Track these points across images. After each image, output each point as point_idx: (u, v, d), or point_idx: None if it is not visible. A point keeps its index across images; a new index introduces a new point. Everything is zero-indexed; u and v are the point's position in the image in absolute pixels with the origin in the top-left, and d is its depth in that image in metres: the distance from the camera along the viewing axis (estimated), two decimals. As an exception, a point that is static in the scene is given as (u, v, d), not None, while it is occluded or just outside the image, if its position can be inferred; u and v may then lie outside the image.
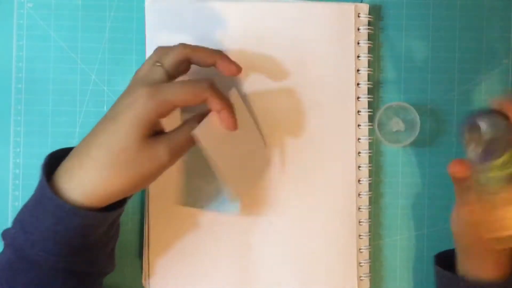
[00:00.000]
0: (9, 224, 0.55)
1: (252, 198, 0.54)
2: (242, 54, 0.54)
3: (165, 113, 0.44)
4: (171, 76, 0.46)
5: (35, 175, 0.55)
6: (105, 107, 0.55)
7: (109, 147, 0.43)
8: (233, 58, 0.54)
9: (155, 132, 0.45)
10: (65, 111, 0.55)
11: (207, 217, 0.54)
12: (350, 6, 0.54)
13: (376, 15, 0.56)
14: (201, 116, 0.46)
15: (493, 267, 0.48)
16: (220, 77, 0.48)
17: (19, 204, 0.55)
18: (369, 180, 0.55)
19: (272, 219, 0.54)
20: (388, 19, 0.56)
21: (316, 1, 0.55)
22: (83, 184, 0.43)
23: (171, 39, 0.54)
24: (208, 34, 0.54)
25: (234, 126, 0.46)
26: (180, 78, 0.48)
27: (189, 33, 0.54)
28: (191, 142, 0.45)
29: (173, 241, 0.54)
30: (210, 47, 0.54)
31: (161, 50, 0.47)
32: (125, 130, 0.43)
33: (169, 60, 0.46)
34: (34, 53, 0.56)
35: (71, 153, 0.45)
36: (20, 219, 0.45)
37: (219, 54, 0.48)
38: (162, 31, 0.54)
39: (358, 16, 0.55)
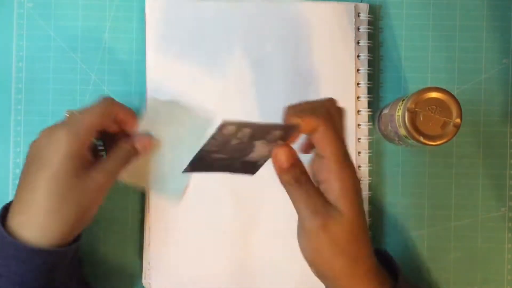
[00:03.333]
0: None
1: (252, 198, 0.54)
2: (241, 54, 0.54)
3: (85, 141, 0.46)
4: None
5: (35, 175, 0.55)
6: (105, 107, 0.55)
7: (46, 190, 0.44)
8: (232, 57, 0.54)
9: (88, 163, 0.46)
10: (65, 110, 0.55)
11: (207, 217, 0.54)
12: (350, 6, 0.54)
13: (376, 15, 0.56)
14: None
15: None
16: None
17: (19, 204, 0.55)
18: (369, 180, 0.55)
19: (272, 219, 0.54)
20: (388, 18, 0.56)
21: (316, 1, 0.55)
22: (36, 225, 0.44)
23: (171, 39, 0.54)
24: (208, 34, 0.54)
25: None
26: None
27: (189, 33, 0.54)
28: (126, 156, 0.49)
29: (174, 241, 0.54)
30: (210, 47, 0.54)
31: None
32: (55, 170, 0.44)
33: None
34: (34, 53, 0.56)
35: (15, 200, 0.46)
36: None
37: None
38: (162, 31, 0.54)
39: (358, 16, 0.55)
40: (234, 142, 0.41)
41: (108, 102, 0.48)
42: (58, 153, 0.44)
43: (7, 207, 0.46)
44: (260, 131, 0.40)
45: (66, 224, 0.44)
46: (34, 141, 0.46)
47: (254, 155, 0.43)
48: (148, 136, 0.51)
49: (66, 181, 0.44)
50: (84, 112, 0.47)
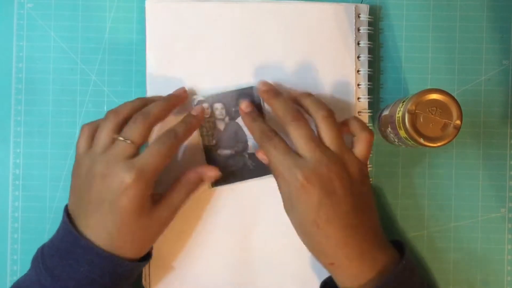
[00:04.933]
0: (8, 224, 0.55)
1: (252, 197, 0.54)
2: (241, 55, 0.54)
3: (152, 184, 0.46)
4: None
5: (35, 175, 0.55)
6: (105, 108, 0.55)
7: (114, 226, 0.45)
8: (232, 58, 0.54)
9: (152, 198, 0.48)
10: (65, 111, 0.55)
11: (208, 219, 0.54)
12: (350, 7, 0.54)
13: (376, 16, 0.56)
14: None
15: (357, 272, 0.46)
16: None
17: (19, 204, 0.55)
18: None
19: (272, 218, 0.54)
20: (388, 19, 0.56)
21: (317, 1, 0.55)
22: (106, 232, 0.46)
23: (171, 39, 0.54)
24: (208, 34, 0.54)
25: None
26: None
27: (189, 34, 0.54)
28: (192, 188, 0.50)
29: (173, 241, 0.54)
30: (210, 47, 0.54)
31: (116, 118, 0.48)
32: (124, 212, 0.45)
33: (138, 136, 0.47)
34: (34, 53, 0.56)
35: (80, 210, 0.47)
36: (50, 267, 0.45)
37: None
38: (162, 31, 0.54)
39: (359, 17, 0.55)
40: (221, 126, 0.50)
41: (172, 140, 0.48)
42: (127, 197, 0.45)
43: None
44: (228, 101, 0.51)
45: (130, 251, 0.47)
46: (96, 168, 0.46)
47: (253, 141, 0.50)
48: (209, 166, 0.52)
49: (134, 222, 0.46)
50: (150, 153, 0.46)
